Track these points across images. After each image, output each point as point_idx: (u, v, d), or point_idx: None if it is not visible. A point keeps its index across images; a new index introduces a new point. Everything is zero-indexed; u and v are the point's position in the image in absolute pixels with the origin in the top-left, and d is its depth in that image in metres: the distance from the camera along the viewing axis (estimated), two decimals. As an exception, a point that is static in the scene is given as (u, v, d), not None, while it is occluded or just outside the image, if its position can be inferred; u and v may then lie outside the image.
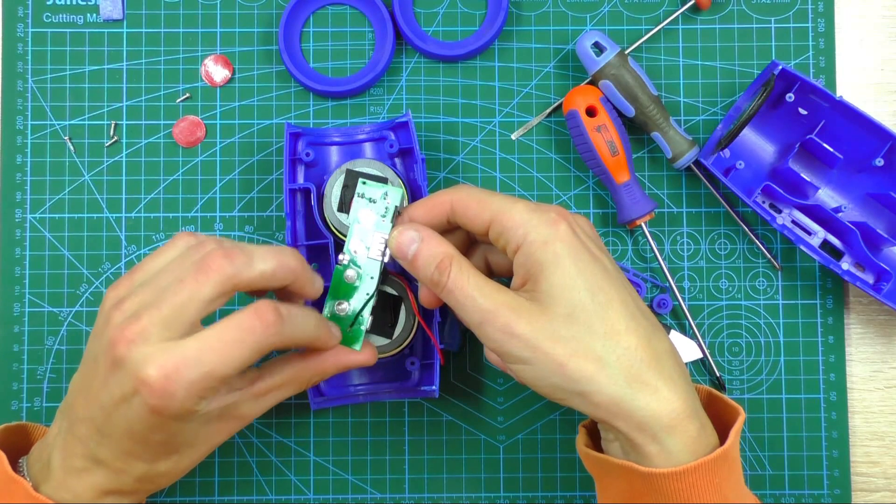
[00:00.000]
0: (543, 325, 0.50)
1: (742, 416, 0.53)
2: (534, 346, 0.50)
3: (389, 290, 0.61)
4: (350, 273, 0.57)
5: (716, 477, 0.50)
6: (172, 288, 0.50)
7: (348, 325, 0.58)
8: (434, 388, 0.63)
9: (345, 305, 0.57)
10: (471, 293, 0.52)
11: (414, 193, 0.64)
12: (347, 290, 0.58)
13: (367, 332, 0.59)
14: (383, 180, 0.61)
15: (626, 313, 0.51)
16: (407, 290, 0.61)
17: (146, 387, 0.48)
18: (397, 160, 0.65)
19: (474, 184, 0.68)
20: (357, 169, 0.62)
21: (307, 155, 0.64)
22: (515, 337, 0.51)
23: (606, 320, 0.50)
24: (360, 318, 0.57)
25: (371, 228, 0.57)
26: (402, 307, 0.61)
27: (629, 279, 0.67)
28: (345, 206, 0.62)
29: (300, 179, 0.65)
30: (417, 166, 0.63)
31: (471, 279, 0.52)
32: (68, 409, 0.53)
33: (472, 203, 0.54)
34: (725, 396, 0.56)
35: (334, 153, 0.66)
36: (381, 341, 0.61)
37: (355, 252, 0.57)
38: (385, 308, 0.60)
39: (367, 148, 0.65)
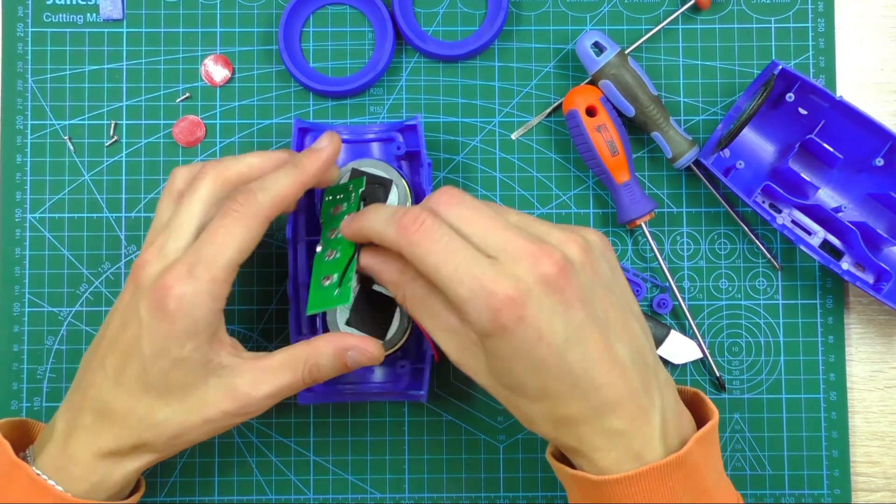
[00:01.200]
0: (517, 406, 0.52)
1: (712, 421, 0.53)
2: (511, 409, 0.53)
3: (384, 290, 0.59)
4: (330, 252, 0.57)
5: (669, 480, 0.50)
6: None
7: (335, 291, 0.56)
8: (423, 392, 0.62)
9: (331, 277, 0.56)
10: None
11: (418, 197, 0.63)
12: (329, 266, 0.57)
13: (362, 330, 0.58)
14: (387, 182, 0.61)
15: (608, 364, 0.50)
16: None
17: (162, 291, 0.51)
18: (404, 162, 0.65)
19: (475, 183, 0.68)
20: (362, 168, 0.61)
21: (314, 151, 0.64)
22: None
23: (587, 384, 0.50)
24: (348, 275, 0.56)
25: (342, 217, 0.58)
26: (397, 309, 0.59)
27: (629, 279, 0.67)
28: None
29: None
30: (423, 170, 0.63)
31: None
32: (76, 382, 0.56)
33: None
34: (707, 399, 0.55)
35: (341, 151, 0.65)
36: None
37: (331, 236, 0.58)
38: (378, 309, 0.60)
39: (375, 148, 0.65)
